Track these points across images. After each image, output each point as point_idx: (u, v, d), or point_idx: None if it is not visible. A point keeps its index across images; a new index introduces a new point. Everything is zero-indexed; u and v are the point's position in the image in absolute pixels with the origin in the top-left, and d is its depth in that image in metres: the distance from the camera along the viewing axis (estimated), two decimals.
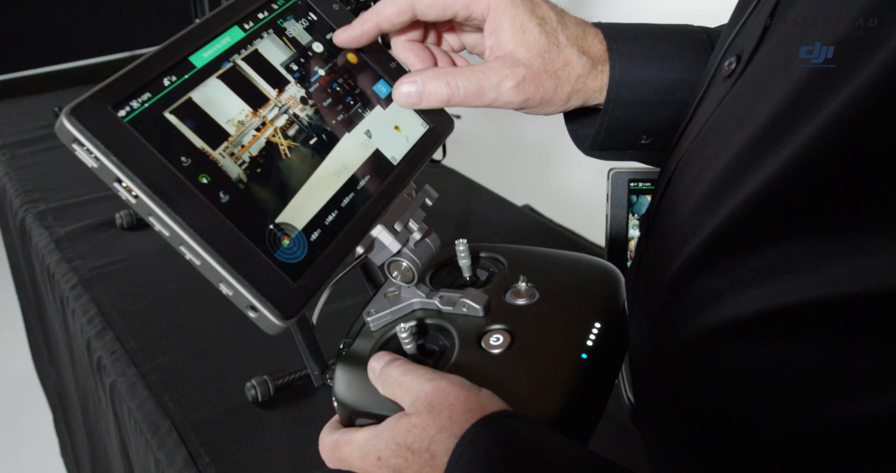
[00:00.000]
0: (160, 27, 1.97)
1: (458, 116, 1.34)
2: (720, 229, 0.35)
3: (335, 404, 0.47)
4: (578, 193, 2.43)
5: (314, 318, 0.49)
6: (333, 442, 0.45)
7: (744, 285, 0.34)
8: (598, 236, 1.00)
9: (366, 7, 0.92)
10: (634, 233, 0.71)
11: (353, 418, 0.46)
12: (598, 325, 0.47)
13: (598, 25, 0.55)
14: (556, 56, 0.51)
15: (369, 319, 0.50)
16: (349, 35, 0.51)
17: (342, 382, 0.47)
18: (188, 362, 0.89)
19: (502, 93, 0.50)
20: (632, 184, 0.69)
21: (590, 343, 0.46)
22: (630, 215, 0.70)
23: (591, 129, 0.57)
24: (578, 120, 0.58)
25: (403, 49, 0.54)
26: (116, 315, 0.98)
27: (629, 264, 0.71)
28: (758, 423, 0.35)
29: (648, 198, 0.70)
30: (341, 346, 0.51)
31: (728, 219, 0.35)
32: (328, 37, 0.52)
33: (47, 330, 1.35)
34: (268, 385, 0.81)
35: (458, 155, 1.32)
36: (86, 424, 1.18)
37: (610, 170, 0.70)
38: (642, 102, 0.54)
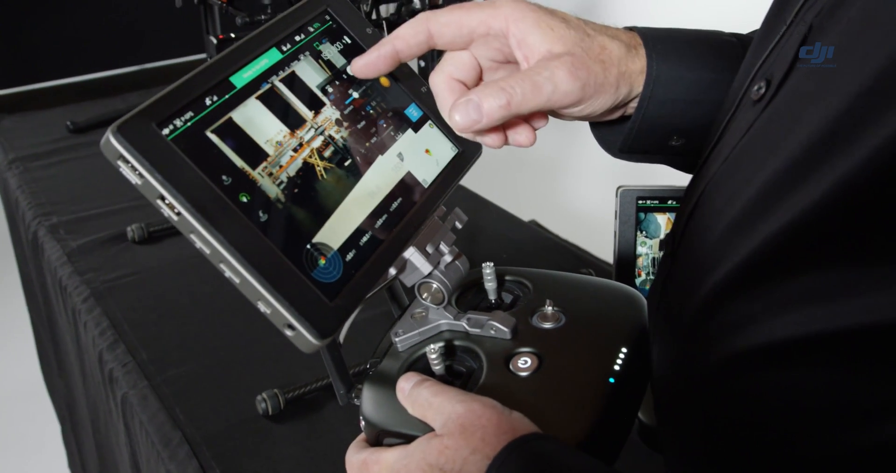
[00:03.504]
0: (171, 41, 1.99)
1: None
2: (757, 253, 0.35)
3: (362, 423, 0.48)
4: (585, 208, 2.43)
5: (341, 337, 0.50)
6: (361, 461, 0.45)
7: (781, 309, 0.34)
8: (605, 252, 1.00)
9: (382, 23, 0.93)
10: (642, 250, 0.72)
11: (381, 437, 0.47)
12: (624, 350, 0.48)
13: (631, 27, 0.55)
14: (592, 43, 0.50)
15: (397, 339, 0.51)
16: (364, 61, 0.50)
17: (370, 401, 0.48)
18: (199, 374, 0.90)
19: (558, 83, 0.47)
20: (640, 202, 0.70)
21: (617, 368, 0.47)
22: (638, 233, 0.71)
23: (619, 134, 0.57)
24: (606, 125, 0.58)
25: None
26: (128, 328, 0.98)
27: (637, 281, 0.72)
28: (788, 446, 0.35)
29: (657, 216, 0.71)
30: (368, 366, 0.52)
31: (765, 244, 0.35)
32: None
33: (57, 342, 1.35)
34: (278, 399, 0.82)
35: None
36: (96, 436, 1.18)
37: (618, 187, 0.71)
38: (677, 99, 0.54)
